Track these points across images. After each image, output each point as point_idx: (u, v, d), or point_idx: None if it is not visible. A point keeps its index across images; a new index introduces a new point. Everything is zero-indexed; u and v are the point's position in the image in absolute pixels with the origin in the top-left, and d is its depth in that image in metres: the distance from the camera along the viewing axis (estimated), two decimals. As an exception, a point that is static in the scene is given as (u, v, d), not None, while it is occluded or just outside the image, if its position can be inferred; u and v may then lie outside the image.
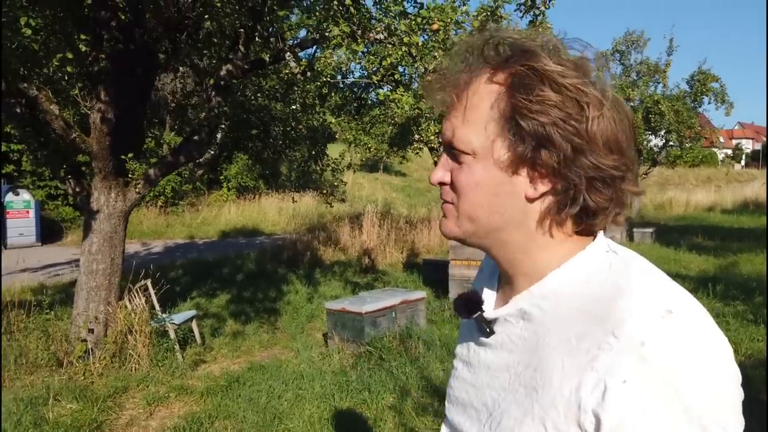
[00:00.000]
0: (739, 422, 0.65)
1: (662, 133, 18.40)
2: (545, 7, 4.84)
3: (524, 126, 0.71)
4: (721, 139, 41.08)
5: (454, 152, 0.78)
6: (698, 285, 7.65)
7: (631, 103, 17.03)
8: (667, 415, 0.62)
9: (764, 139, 66.63)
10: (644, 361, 0.64)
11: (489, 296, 0.88)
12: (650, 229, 14.13)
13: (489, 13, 3.87)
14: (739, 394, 0.67)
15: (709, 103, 18.78)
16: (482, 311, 0.83)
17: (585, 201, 0.73)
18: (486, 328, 0.83)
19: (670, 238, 13.78)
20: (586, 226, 0.76)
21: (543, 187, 0.73)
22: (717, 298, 7.12)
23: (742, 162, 53.91)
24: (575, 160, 0.71)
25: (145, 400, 4.44)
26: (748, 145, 62.88)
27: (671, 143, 18.97)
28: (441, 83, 0.80)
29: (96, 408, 4.22)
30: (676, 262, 10.23)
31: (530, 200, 0.74)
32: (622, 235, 12.26)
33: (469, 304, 0.86)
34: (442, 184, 0.81)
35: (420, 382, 4.58)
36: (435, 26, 3.82)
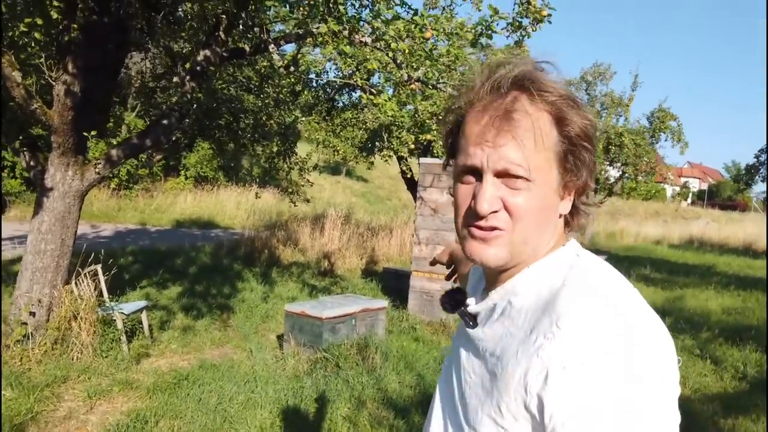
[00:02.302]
0: (671, 411, 0.71)
1: (619, 165, 18.93)
2: (533, 30, 4.86)
3: None
4: (671, 176, 42.80)
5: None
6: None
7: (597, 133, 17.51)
8: (602, 399, 0.68)
9: (710, 180, 69.72)
10: (581, 350, 0.70)
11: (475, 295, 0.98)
12: (602, 257, 14.43)
13: (484, 28, 3.84)
14: (671, 385, 0.72)
15: (666, 140, 19.45)
16: (466, 306, 0.94)
17: None
18: (470, 321, 0.93)
19: (620, 268, 13.72)
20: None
21: None
22: (666, 331, 7.28)
23: (689, 200, 56.21)
24: None
25: (86, 393, 4.19)
26: (695, 184, 65.68)
27: (627, 175, 19.52)
28: None
29: (32, 397, 3.95)
30: (626, 292, 10.45)
31: None
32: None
33: (454, 301, 0.98)
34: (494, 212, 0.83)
35: (376, 393, 4.49)
36: (428, 34, 3.76)
